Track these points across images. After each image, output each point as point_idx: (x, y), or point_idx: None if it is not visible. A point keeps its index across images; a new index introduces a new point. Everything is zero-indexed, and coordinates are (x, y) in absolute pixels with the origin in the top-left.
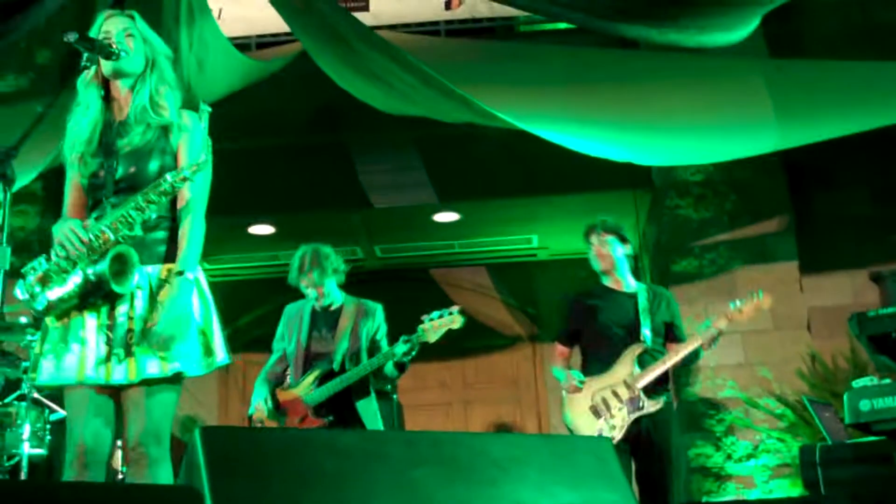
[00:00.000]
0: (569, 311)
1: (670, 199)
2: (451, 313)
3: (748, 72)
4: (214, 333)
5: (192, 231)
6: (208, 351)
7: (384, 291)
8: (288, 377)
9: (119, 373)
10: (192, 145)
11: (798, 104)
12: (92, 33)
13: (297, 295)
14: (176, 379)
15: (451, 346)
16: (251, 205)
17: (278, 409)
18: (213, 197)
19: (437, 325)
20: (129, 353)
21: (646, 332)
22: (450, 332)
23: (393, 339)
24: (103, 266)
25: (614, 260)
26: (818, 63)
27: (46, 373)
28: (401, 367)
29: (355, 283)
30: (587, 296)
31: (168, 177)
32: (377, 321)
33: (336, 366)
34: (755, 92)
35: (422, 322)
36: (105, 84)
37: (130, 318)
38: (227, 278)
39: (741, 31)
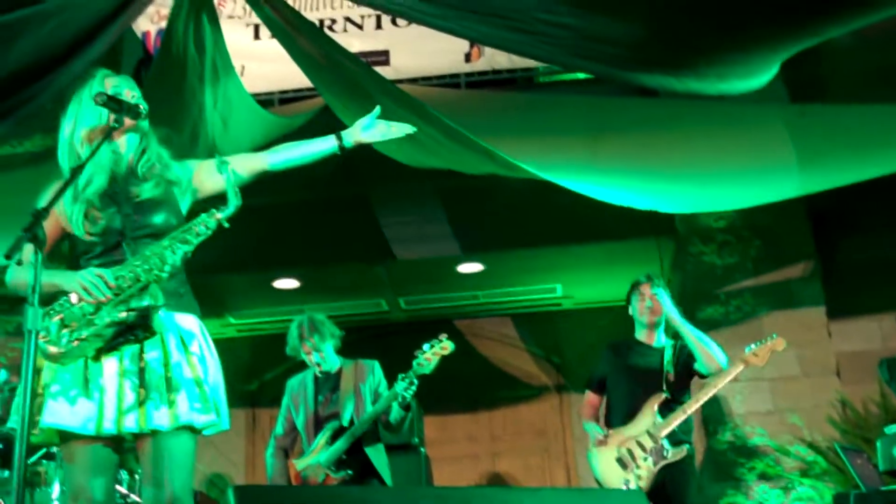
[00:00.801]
0: (600, 360)
1: (694, 246)
2: (440, 341)
3: (769, 117)
4: (221, 394)
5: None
6: (217, 411)
7: (409, 343)
8: (301, 445)
9: (160, 419)
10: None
11: (820, 149)
12: (94, 90)
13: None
14: (196, 433)
15: (478, 398)
16: (276, 259)
17: (296, 479)
18: (237, 252)
19: (429, 356)
20: (165, 400)
21: (668, 382)
22: (476, 384)
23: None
24: (146, 302)
25: (663, 312)
26: (839, 107)
27: (57, 415)
28: (406, 406)
29: (380, 336)
30: (618, 347)
31: (203, 217)
32: (377, 377)
33: (345, 423)
34: (777, 137)
35: (416, 357)
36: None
37: (165, 365)
38: (252, 333)
39: (761, 77)
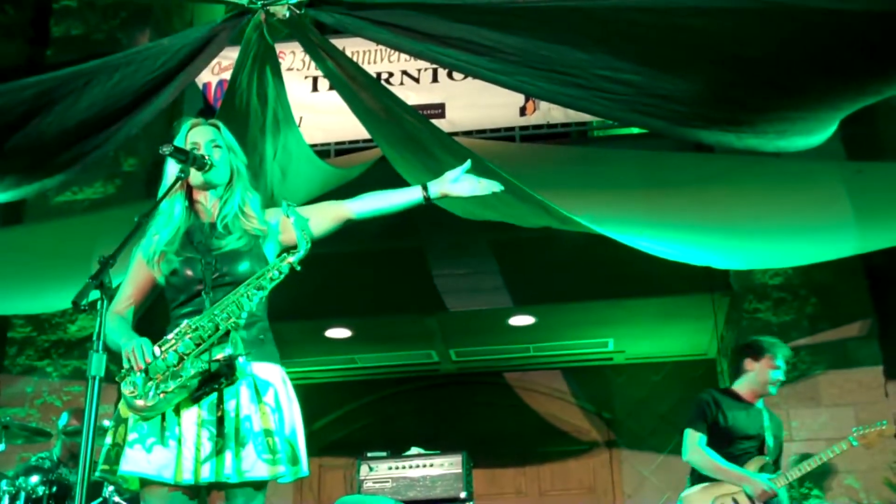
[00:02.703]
0: (707, 405)
1: (749, 303)
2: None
3: (826, 174)
4: (300, 441)
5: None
6: (294, 459)
7: (459, 395)
8: None
9: (229, 470)
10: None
11: (878, 207)
12: (177, 141)
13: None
14: (264, 485)
15: (527, 452)
16: (328, 309)
17: None
18: (290, 301)
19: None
20: (234, 452)
21: (770, 446)
22: (525, 438)
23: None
24: (229, 351)
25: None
26: None
27: (134, 463)
28: None
29: (430, 387)
30: (723, 398)
31: (275, 262)
32: None
33: None
34: (834, 194)
35: None
36: (188, 190)
37: (236, 416)
38: (303, 381)
39: (821, 134)
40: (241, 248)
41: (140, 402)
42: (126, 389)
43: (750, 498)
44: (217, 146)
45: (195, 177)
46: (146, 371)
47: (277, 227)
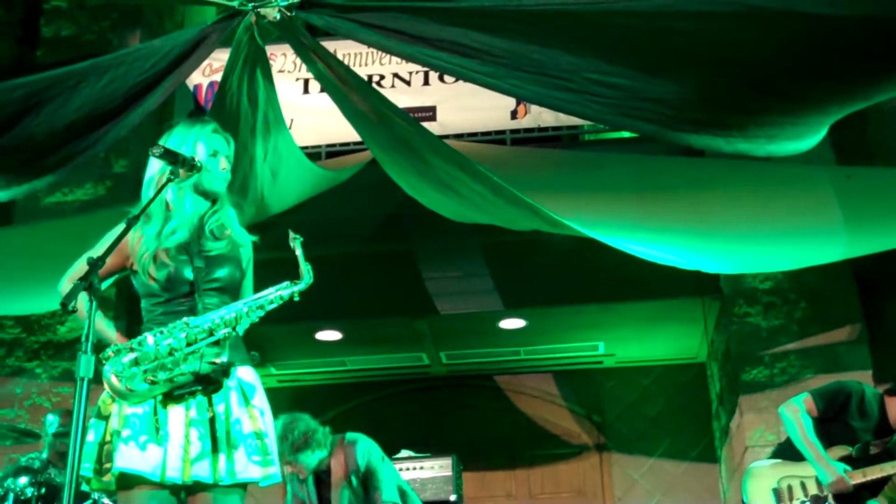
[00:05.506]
0: (848, 400)
1: (739, 307)
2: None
3: (816, 179)
4: (272, 446)
5: None
6: (275, 461)
7: (449, 398)
8: None
9: (222, 472)
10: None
11: (867, 212)
12: (199, 142)
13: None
14: (244, 486)
15: (517, 455)
16: (319, 311)
17: None
18: (280, 303)
19: None
20: (227, 454)
21: (865, 445)
22: (516, 441)
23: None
24: (226, 357)
25: None
26: (886, 170)
27: (128, 460)
28: None
29: (420, 390)
30: (876, 403)
31: (281, 287)
32: (363, 459)
33: None
34: (824, 199)
35: None
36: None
37: (227, 419)
38: (294, 384)
39: (810, 139)
40: (226, 253)
41: (123, 386)
42: (111, 368)
43: (820, 487)
44: (230, 159)
45: (204, 181)
46: (136, 358)
47: (250, 245)
